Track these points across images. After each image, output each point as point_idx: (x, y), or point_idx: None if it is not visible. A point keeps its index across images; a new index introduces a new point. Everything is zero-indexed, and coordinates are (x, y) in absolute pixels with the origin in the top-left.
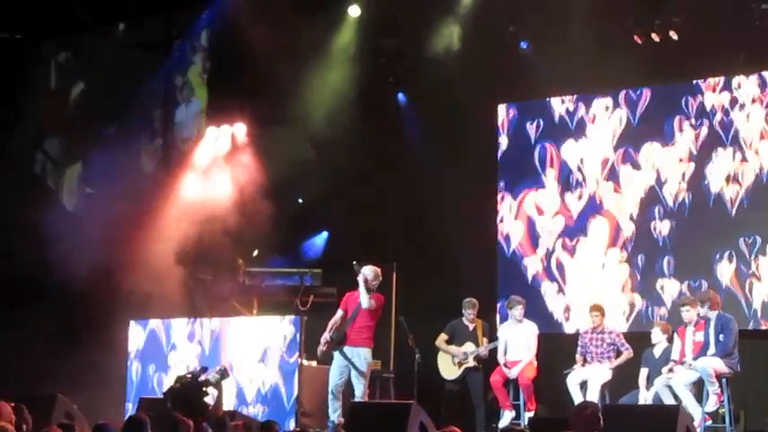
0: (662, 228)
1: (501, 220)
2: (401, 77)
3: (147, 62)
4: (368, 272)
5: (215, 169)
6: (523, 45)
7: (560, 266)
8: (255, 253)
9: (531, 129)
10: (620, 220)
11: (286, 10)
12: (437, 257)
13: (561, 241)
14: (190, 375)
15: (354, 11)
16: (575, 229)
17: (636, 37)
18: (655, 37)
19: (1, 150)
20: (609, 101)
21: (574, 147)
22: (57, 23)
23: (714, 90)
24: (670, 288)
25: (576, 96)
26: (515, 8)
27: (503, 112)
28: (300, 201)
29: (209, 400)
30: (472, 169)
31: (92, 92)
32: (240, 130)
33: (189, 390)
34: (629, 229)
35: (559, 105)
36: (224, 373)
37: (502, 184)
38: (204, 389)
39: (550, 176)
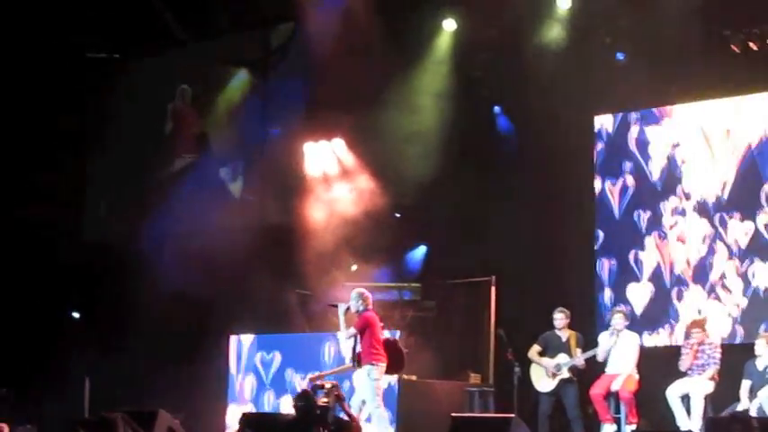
0: None
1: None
2: (497, 90)
3: None
4: (350, 299)
5: (319, 185)
6: (620, 56)
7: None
8: (354, 268)
9: (626, 169)
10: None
11: (380, 24)
12: (538, 270)
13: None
14: (334, 392)
15: (450, 24)
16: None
17: (733, 46)
18: (753, 46)
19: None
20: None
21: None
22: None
23: None
24: None
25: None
26: (611, 19)
27: (599, 124)
28: (398, 215)
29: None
30: (571, 179)
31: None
32: (339, 144)
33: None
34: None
35: (657, 157)
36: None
37: (601, 236)
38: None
39: (646, 225)
